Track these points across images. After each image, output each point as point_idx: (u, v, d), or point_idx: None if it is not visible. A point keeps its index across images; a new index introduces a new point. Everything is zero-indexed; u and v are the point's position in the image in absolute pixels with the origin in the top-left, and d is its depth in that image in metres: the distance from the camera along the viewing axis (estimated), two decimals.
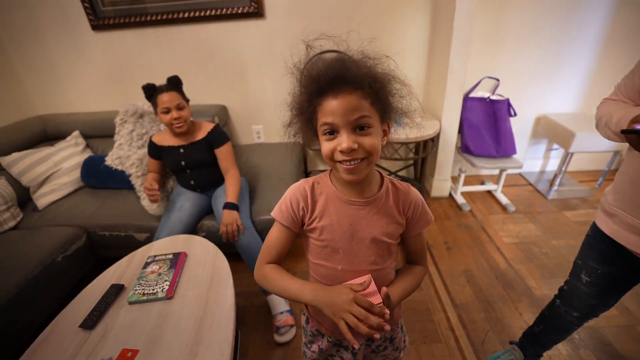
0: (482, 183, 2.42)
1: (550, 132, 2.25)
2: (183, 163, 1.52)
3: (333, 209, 0.65)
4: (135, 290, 1.03)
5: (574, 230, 1.94)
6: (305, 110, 0.58)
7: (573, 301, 0.98)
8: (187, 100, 1.51)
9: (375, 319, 0.54)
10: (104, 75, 2.15)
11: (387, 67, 0.59)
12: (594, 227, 0.89)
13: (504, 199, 2.20)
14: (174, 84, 1.46)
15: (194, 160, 1.53)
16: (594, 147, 2.02)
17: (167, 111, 1.42)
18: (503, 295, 1.54)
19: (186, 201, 1.54)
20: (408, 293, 0.70)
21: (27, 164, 1.77)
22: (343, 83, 0.54)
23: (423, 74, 2.17)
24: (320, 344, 0.79)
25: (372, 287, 0.61)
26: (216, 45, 2.05)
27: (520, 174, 2.56)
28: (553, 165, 2.54)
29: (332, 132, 0.56)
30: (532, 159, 2.54)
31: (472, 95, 2.12)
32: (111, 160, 1.79)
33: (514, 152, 2.10)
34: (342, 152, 0.55)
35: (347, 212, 0.64)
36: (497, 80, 2.16)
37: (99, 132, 2.03)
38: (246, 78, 2.16)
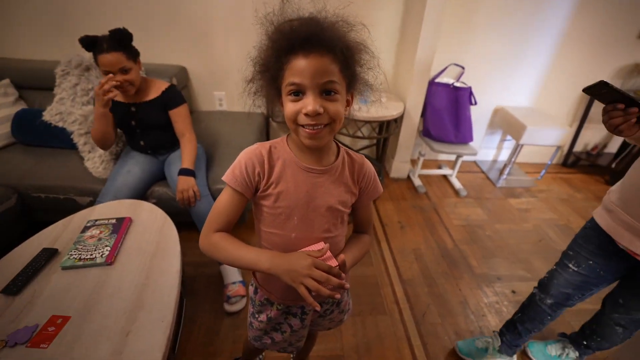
0: (439, 167, 2.52)
1: (505, 123, 2.37)
2: (133, 123, 1.40)
3: (290, 175, 0.63)
4: (71, 254, 0.95)
5: (516, 216, 2.11)
6: (271, 67, 0.55)
7: (550, 288, 1.05)
8: (136, 56, 1.33)
9: (335, 280, 0.55)
10: (44, 19, 1.88)
11: (360, 36, 0.57)
12: (592, 222, 0.95)
13: (457, 184, 2.32)
14: (118, 40, 1.23)
15: (146, 121, 1.41)
16: (541, 141, 2.18)
17: (109, 73, 1.23)
18: (446, 272, 1.65)
19: (135, 165, 1.44)
20: (357, 259, 0.72)
21: None
22: (316, 44, 0.51)
23: (393, 53, 2.17)
24: (269, 313, 0.79)
25: (328, 253, 0.62)
26: (180, 1, 1.87)
27: (475, 162, 2.70)
28: (504, 155, 2.72)
29: (298, 93, 0.54)
30: (487, 148, 2.69)
31: (437, 80, 2.16)
32: (50, 115, 1.61)
33: (471, 139, 2.20)
34: (306, 114, 0.53)
35: (305, 179, 0.63)
36: (463, 68, 2.22)
37: (34, 84, 1.80)
38: (211, 39, 2.01)
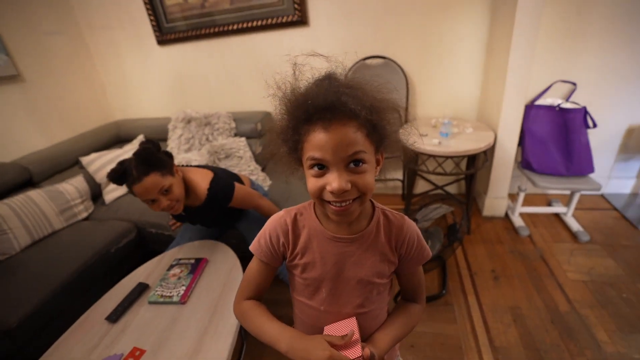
0: (549, 204, 2.08)
1: None
2: (188, 222, 1.39)
3: (316, 245, 0.59)
4: (156, 291, 1.10)
5: None
6: (289, 139, 0.51)
7: None
8: (171, 166, 1.12)
9: None
10: (166, 84, 2.39)
11: (386, 93, 0.51)
12: None
13: (575, 225, 1.86)
14: (146, 162, 1.04)
15: (200, 220, 1.36)
16: None
17: (153, 200, 1.08)
18: (559, 345, 1.29)
19: (196, 233, 1.43)
20: (399, 339, 0.62)
21: (101, 164, 2.04)
22: (336, 112, 0.46)
23: (479, 74, 1.94)
24: None
25: (355, 335, 0.55)
26: (262, 53, 2.12)
27: (602, 196, 2.13)
28: None
29: (321, 166, 0.49)
30: (620, 178, 2.10)
31: (538, 102, 1.83)
32: None
33: (591, 170, 1.76)
34: (332, 192, 0.48)
35: (332, 250, 0.58)
36: (574, 84, 1.83)
37: (159, 136, 2.25)
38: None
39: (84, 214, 1.89)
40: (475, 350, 1.30)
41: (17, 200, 1.62)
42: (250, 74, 2.20)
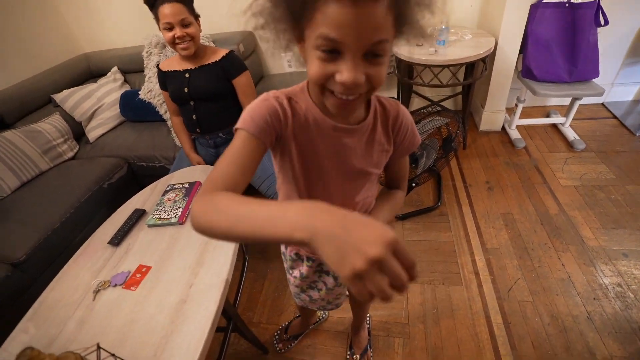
0: (548, 115, 2.03)
1: None
2: (186, 90, 1.32)
3: (317, 134, 0.52)
4: (154, 214, 1.10)
5: None
6: (296, 2, 0.39)
7: None
8: (197, 17, 1.27)
9: (405, 277, 0.29)
10: (135, 9, 2.12)
11: None
12: None
13: (571, 134, 1.84)
14: None
15: (199, 88, 1.32)
16: None
17: (170, 28, 1.19)
18: (546, 243, 1.36)
19: (189, 165, 1.43)
20: (388, 221, 0.62)
21: (76, 100, 1.91)
22: None
23: None
24: (300, 269, 0.76)
25: None
26: None
27: (603, 104, 2.08)
28: None
29: (333, 51, 0.39)
30: (624, 84, 2.02)
31: (546, 0, 1.66)
32: (143, 94, 1.84)
33: (596, 74, 1.67)
34: (342, 84, 0.40)
35: (332, 140, 0.53)
36: None
37: (134, 67, 2.07)
38: None
39: (70, 154, 1.82)
40: (468, 252, 1.37)
41: None
42: None
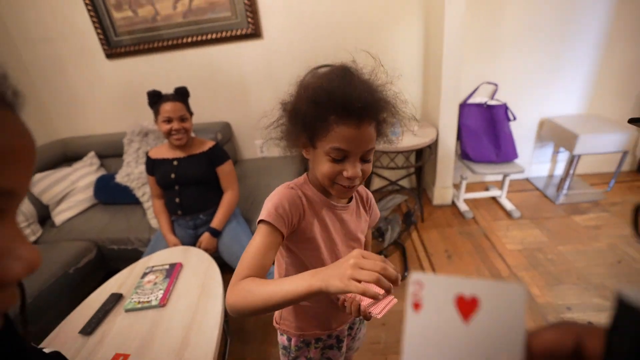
0: (487, 189, 2.38)
1: (555, 135, 2.20)
2: (173, 176, 1.44)
3: (325, 215, 0.67)
4: (132, 298, 1.09)
5: (583, 235, 1.87)
6: (309, 120, 0.56)
7: None
8: (191, 114, 1.47)
9: (392, 270, 0.45)
10: (117, 99, 2.31)
11: (392, 92, 0.59)
12: None
13: (508, 205, 2.16)
14: (181, 94, 1.43)
15: (186, 175, 1.44)
16: (600, 149, 1.96)
17: (169, 121, 1.37)
18: None
19: (166, 246, 1.46)
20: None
21: (47, 184, 1.91)
22: (368, 111, 0.53)
23: (420, 83, 2.20)
24: (307, 354, 0.80)
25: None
26: (218, 66, 2.17)
27: (527, 179, 2.50)
28: (561, 169, 2.47)
29: (342, 156, 0.56)
30: (539, 163, 2.49)
31: (470, 101, 2.12)
32: (120, 177, 1.91)
33: (515, 156, 2.07)
34: (348, 178, 0.57)
35: (336, 217, 0.69)
36: (495, 85, 2.15)
37: (112, 152, 2.17)
38: (248, 95, 2.27)
39: (32, 238, 1.76)
40: None
41: None
42: (206, 85, 2.23)
